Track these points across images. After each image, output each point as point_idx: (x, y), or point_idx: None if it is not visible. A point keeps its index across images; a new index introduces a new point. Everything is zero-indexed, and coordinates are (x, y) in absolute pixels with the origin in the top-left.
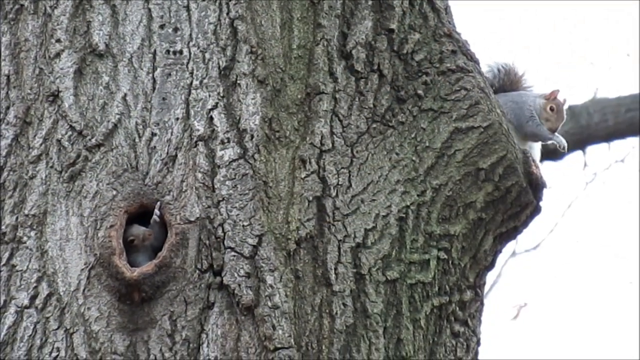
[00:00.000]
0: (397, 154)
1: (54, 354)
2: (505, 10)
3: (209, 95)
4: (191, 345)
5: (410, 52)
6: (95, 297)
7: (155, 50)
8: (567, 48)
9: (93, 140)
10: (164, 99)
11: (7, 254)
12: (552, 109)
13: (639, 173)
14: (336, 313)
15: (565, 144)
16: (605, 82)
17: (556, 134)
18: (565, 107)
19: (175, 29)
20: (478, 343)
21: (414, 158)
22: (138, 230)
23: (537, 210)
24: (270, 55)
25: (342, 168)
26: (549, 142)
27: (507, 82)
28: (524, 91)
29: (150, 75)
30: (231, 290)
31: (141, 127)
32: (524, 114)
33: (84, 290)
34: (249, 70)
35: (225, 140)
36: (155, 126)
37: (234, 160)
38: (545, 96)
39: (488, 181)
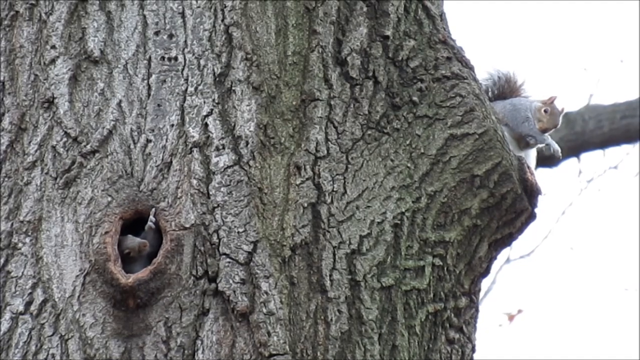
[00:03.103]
0: (392, 160)
1: None
2: (500, 17)
3: (204, 102)
4: (186, 351)
5: (405, 59)
6: (90, 303)
7: (150, 57)
8: (562, 54)
9: (88, 147)
10: (159, 105)
11: (2, 260)
12: (545, 111)
13: (638, 180)
14: (331, 319)
15: (559, 149)
16: (599, 88)
17: (550, 138)
18: (562, 113)
19: (170, 36)
20: (473, 350)
21: (409, 165)
22: (133, 242)
23: (532, 216)
24: (265, 61)
25: (337, 175)
26: (543, 144)
27: (507, 90)
28: (524, 98)
29: (145, 81)
30: (226, 296)
31: (136, 133)
32: (520, 115)
33: (79, 296)
34: (244, 76)
35: (220, 147)
36: (150, 133)
37: (229, 167)
38: (543, 100)
39: (483, 188)
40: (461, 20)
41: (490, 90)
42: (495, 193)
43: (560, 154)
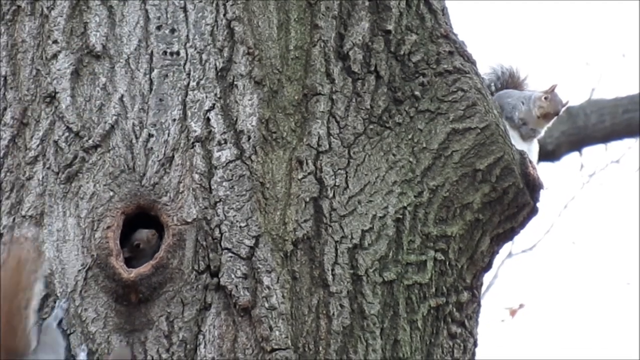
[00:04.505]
0: (394, 155)
1: None
2: (502, 12)
3: (206, 97)
4: (188, 346)
5: (407, 54)
6: (92, 298)
7: (152, 52)
8: (564, 49)
9: (90, 142)
10: (161, 100)
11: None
12: (546, 98)
13: (638, 174)
14: (333, 314)
15: (536, 135)
16: (601, 82)
17: (525, 127)
18: (565, 104)
19: (172, 30)
20: (475, 344)
21: (410, 159)
22: (141, 233)
23: (534, 211)
24: (267, 56)
25: (339, 169)
26: (522, 129)
27: (511, 84)
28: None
29: (147, 76)
30: (228, 291)
31: (138, 128)
32: (514, 103)
33: (81, 291)
34: (246, 71)
35: (222, 142)
36: (152, 127)
37: (230, 162)
38: (544, 90)
39: (485, 182)
40: (462, 15)
41: (494, 84)
42: (497, 187)
43: (535, 134)
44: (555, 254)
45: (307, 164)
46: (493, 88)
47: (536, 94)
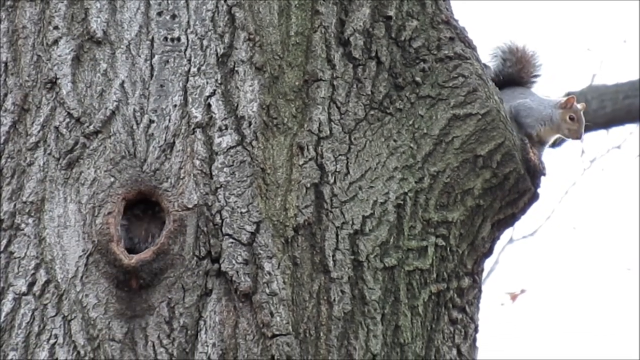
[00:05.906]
0: (394, 140)
1: (51, 341)
2: None
3: (207, 82)
4: (189, 332)
5: (408, 39)
6: (93, 284)
7: (153, 38)
8: (565, 35)
9: (91, 127)
10: (161, 86)
11: (5, 241)
12: (571, 119)
13: (639, 159)
14: (334, 300)
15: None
16: (602, 68)
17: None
18: (583, 110)
19: (173, 16)
20: (476, 330)
21: (411, 145)
22: None
23: (535, 197)
24: (268, 42)
25: (340, 155)
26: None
27: (519, 64)
28: (544, 97)
29: (148, 62)
30: (229, 277)
31: (139, 114)
32: (532, 124)
33: (81, 277)
34: (247, 57)
35: (223, 127)
36: (153, 113)
37: (231, 147)
38: (561, 104)
39: (486, 168)
40: (463, 1)
41: (499, 72)
42: (498, 173)
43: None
44: (556, 240)
45: (308, 149)
46: (506, 72)
47: (556, 114)
